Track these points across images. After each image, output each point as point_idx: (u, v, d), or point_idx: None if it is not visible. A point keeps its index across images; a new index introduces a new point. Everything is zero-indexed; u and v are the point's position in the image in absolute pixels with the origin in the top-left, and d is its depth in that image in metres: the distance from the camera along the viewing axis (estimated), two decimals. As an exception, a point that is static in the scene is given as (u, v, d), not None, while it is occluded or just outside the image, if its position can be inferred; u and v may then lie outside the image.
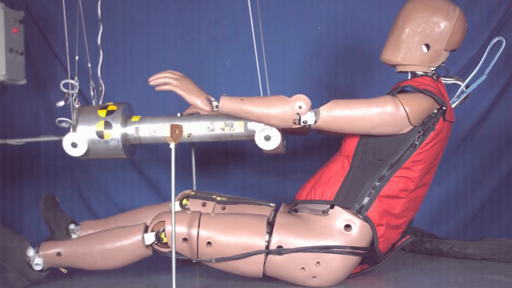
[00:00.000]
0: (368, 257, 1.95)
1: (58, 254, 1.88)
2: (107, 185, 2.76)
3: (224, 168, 2.76)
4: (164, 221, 1.83)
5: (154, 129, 2.05)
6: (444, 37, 1.87)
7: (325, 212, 1.86)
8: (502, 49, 1.88)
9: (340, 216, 1.83)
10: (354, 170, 1.86)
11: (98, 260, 1.87)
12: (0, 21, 2.20)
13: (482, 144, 2.67)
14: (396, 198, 1.84)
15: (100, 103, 2.19)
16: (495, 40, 1.89)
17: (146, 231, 1.85)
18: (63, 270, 1.94)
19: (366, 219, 1.82)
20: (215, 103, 1.85)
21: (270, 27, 2.53)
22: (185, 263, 2.16)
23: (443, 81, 1.95)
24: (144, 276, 2.01)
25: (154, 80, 1.90)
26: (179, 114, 2.10)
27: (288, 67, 2.70)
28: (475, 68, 1.91)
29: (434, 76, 1.92)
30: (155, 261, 2.03)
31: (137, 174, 2.76)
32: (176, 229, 1.76)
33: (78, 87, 2.14)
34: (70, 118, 2.05)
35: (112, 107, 2.06)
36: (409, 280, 1.97)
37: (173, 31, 2.71)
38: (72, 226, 2.09)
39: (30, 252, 1.88)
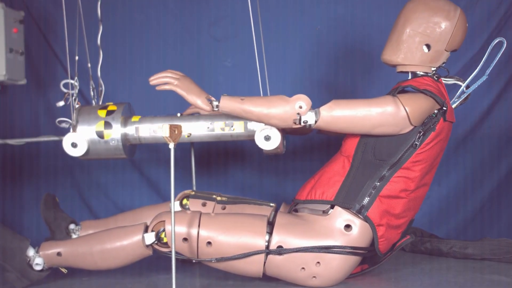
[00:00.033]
0: (368, 257, 1.95)
1: (58, 254, 1.88)
2: (107, 185, 2.76)
3: (224, 168, 2.75)
4: (164, 221, 1.83)
5: (154, 129, 2.05)
6: (445, 38, 1.87)
7: (325, 212, 1.86)
8: (503, 49, 1.88)
9: (340, 216, 1.83)
10: (355, 170, 1.86)
11: (98, 260, 1.87)
12: (0, 21, 2.20)
13: (482, 144, 2.67)
14: (396, 198, 1.84)
15: (100, 103, 2.19)
16: (496, 40, 1.89)
17: (146, 231, 1.85)
18: (63, 270, 1.94)
19: (366, 219, 1.82)
20: (215, 103, 1.85)
21: (270, 27, 2.53)
22: (185, 263, 2.16)
23: (443, 81, 1.94)
24: (144, 276, 2.01)
25: (154, 79, 1.90)
26: (179, 114, 2.09)
27: (288, 67, 2.70)
28: (475, 68, 1.91)
29: (434, 77, 1.92)
30: (155, 261, 2.03)
31: (137, 174, 2.76)
32: (176, 229, 1.76)
33: (78, 87, 2.14)
34: (70, 118, 2.05)
35: (112, 107, 2.06)
36: (409, 280, 1.96)
37: (173, 31, 2.71)
38: (72, 226, 2.09)
39: (30, 252, 1.88)
